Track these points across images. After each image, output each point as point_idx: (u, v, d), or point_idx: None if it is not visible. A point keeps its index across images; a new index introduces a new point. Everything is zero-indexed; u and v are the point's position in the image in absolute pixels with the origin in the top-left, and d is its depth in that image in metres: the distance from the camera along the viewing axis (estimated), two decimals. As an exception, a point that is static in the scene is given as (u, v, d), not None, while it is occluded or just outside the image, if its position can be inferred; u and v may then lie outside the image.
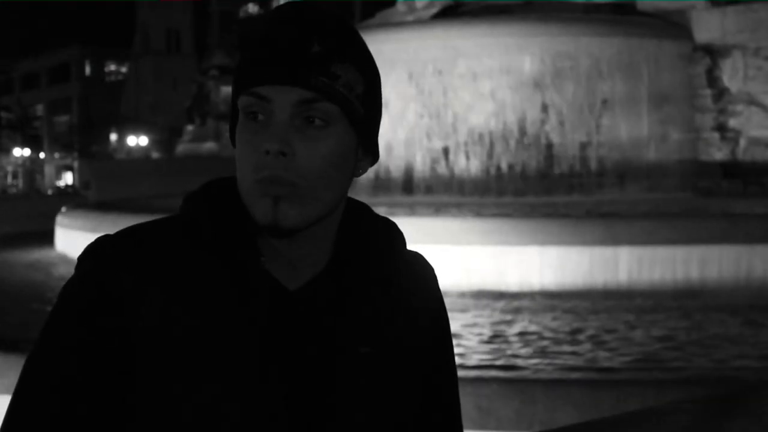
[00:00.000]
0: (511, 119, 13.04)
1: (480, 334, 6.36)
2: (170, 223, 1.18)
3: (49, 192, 66.49)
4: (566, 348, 5.90)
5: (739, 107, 13.97)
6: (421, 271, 1.29)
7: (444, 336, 1.31)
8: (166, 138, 62.55)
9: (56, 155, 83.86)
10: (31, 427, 1.09)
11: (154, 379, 1.10)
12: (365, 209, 1.26)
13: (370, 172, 12.46)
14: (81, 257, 1.15)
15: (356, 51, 1.14)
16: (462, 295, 7.54)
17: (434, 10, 15.76)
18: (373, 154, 1.21)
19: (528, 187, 12.90)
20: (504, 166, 13.03)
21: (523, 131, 13.05)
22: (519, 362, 5.49)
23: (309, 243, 1.17)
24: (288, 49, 1.09)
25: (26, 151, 78.93)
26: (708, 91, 14.04)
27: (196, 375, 1.10)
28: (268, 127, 1.10)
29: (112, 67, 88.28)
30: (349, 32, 1.14)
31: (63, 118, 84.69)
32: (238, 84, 1.13)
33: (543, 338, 6.22)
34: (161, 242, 1.15)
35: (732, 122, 14.01)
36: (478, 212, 10.10)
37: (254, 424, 1.11)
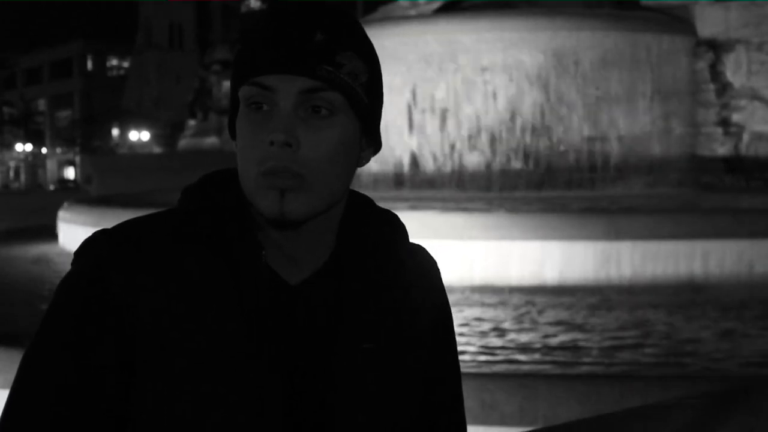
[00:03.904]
0: (514, 114, 13.02)
1: (483, 329, 6.35)
2: (168, 216, 1.17)
3: (51, 187, 66.55)
4: (569, 343, 5.90)
5: (743, 102, 13.94)
6: (424, 264, 1.28)
7: (447, 330, 1.30)
8: (168, 133, 62.62)
9: (58, 150, 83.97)
10: (28, 424, 1.08)
11: (152, 376, 1.09)
12: (368, 202, 1.24)
13: (372, 166, 12.47)
14: (77, 252, 1.13)
15: (359, 40, 1.13)
16: (465, 290, 7.53)
17: (436, 5, 15.74)
18: (375, 144, 1.19)
19: (531, 182, 12.89)
20: (506, 161, 13.02)
21: (525, 126, 13.03)
22: (522, 357, 5.49)
23: (311, 236, 1.15)
24: (291, 38, 1.08)
25: (28, 146, 79.01)
26: (711, 86, 14.02)
27: (195, 371, 1.09)
28: (271, 118, 1.08)
29: (115, 62, 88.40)
30: (350, 22, 1.13)
31: (65, 113, 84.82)
32: (239, 74, 1.11)
33: (546, 333, 6.21)
34: (159, 236, 1.13)
35: (735, 117, 13.99)
36: (481, 207, 10.09)
37: (255, 420, 1.10)
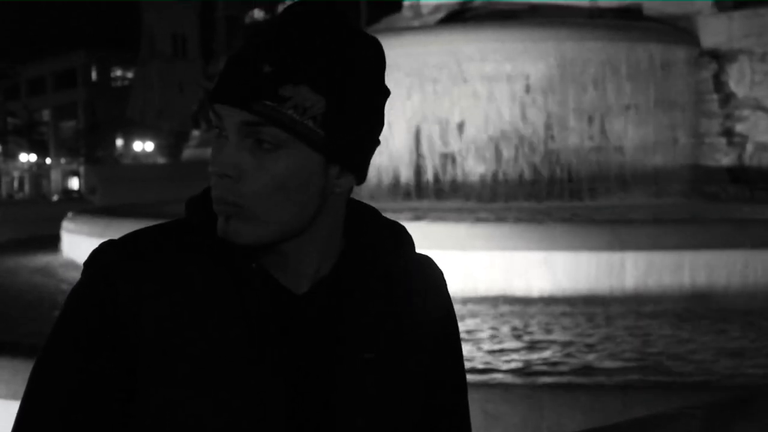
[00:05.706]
0: (517, 124, 13.04)
1: (486, 340, 6.35)
2: (174, 227, 1.19)
3: (55, 197, 66.62)
4: (573, 353, 5.89)
5: (746, 112, 13.94)
6: (429, 274, 1.28)
7: (452, 341, 1.30)
8: (172, 143, 62.67)
9: (62, 160, 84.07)
10: (41, 429, 1.10)
11: (155, 381, 1.10)
12: (373, 213, 1.25)
13: (374, 178, 12.47)
14: (86, 263, 1.15)
15: (319, 69, 1.08)
16: (468, 300, 7.52)
17: (440, 15, 15.78)
18: (356, 171, 1.16)
19: (534, 193, 12.89)
20: (510, 171, 13.03)
21: (528, 136, 13.04)
22: (525, 368, 5.48)
23: (310, 248, 1.16)
24: (244, 69, 1.08)
25: (32, 157, 79.14)
26: (714, 96, 14.02)
27: (198, 377, 1.10)
28: (224, 146, 1.10)
29: (119, 72, 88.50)
30: (322, 45, 1.09)
31: (69, 124, 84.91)
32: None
33: (549, 343, 6.21)
34: (164, 246, 1.15)
35: (739, 127, 13.98)
36: (484, 218, 10.08)
37: (258, 425, 1.11)
